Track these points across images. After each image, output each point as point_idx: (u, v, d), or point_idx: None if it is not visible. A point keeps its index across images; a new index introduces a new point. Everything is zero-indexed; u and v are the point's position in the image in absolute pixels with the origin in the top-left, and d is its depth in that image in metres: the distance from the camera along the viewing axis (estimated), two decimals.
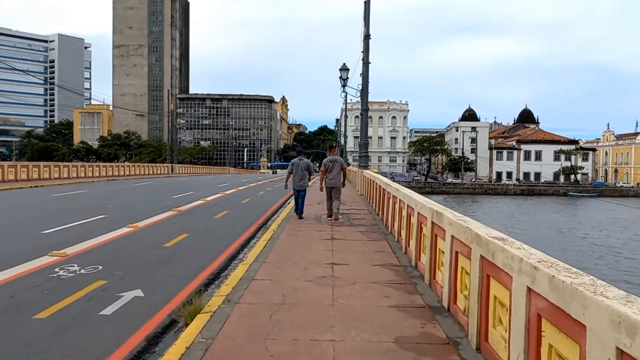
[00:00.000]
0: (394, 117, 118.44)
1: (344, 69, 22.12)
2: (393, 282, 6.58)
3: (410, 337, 4.70)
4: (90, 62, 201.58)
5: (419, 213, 7.22)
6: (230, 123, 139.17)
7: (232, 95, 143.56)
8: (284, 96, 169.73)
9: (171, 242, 10.03)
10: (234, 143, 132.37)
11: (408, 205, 8.27)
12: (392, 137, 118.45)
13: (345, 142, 55.54)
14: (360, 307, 5.53)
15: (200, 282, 7.02)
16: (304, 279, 6.71)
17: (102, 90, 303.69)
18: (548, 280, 2.96)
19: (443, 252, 5.71)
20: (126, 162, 75.23)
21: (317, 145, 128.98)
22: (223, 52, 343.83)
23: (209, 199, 19.94)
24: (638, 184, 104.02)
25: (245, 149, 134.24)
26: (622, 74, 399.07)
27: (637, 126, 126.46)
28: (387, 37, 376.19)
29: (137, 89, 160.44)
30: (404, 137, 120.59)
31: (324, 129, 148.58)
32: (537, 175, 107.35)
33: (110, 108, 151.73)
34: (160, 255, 8.83)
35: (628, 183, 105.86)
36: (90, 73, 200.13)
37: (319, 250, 8.72)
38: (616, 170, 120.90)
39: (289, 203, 18.31)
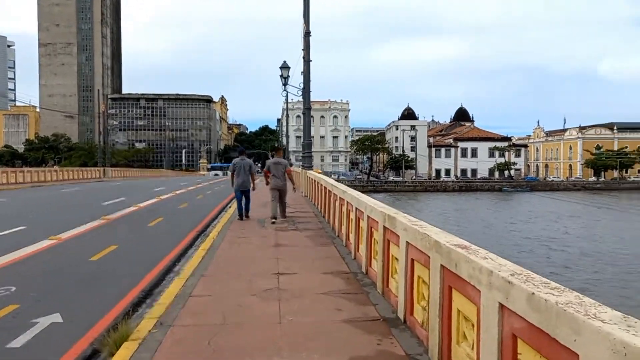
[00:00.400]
0: (335, 117, 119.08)
1: (285, 67, 21.57)
2: (344, 292, 6.12)
3: (366, 356, 4.25)
4: (14, 62, 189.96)
5: (369, 217, 6.80)
6: (167, 124, 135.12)
7: (168, 95, 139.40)
8: (222, 96, 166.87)
9: (98, 255, 9.10)
10: (172, 144, 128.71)
11: (356, 208, 7.86)
12: (334, 137, 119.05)
13: (287, 142, 54.99)
14: (311, 324, 5.02)
15: (129, 302, 6.26)
16: (248, 293, 6.13)
17: (28, 91, 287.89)
18: (526, 298, 2.57)
19: (397, 259, 5.32)
20: (55, 167, 71.26)
21: (258, 145, 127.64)
22: (158, 51, 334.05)
23: (142, 205, 18.79)
24: (567, 177, 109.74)
25: (184, 151, 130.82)
26: (549, 74, 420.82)
27: (564, 123, 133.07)
28: (326, 38, 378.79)
29: (66, 89, 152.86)
30: (345, 137, 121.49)
31: (265, 129, 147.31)
32: (474, 171, 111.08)
33: (37, 109, 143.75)
34: (85, 272, 7.95)
35: (558, 177, 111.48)
36: (14, 73, 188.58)
37: (264, 259, 8.16)
38: (546, 165, 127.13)
39: (230, 207, 17.57)
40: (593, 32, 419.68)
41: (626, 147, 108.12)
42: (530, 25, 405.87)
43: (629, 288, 19.98)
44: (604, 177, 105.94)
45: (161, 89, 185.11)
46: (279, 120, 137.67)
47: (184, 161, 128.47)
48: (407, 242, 4.83)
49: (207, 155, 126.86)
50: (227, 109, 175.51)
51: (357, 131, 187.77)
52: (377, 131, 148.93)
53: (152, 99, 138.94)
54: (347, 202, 8.92)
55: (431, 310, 4.07)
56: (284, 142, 64.94)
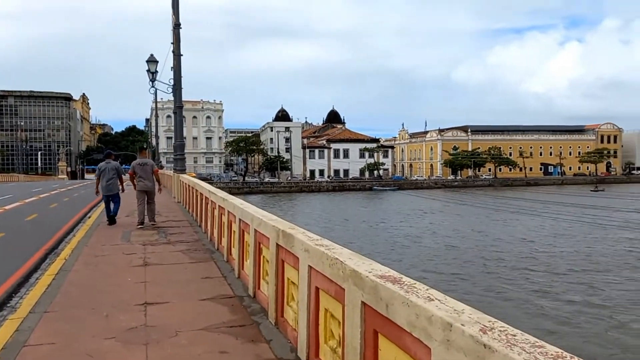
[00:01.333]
0: (208, 117, 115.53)
1: (152, 60, 19.66)
2: (229, 325, 5.05)
3: None
4: None
5: (256, 231, 5.80)
6: (19, 123, 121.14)
7: (20, 92, 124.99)
8: (84, 94, 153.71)
9: None
10: (25, 146, 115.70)
11: (240, 220, 6.80)
12: (207, 138, 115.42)
13: (157, 143, 51.61)
14: None
15: None
16: (105, 334, 4.80)
17: None
18: None
19: (295, 284, 4.41)
20: None
21: (125, 146, 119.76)
22: (8, 45, 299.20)
23: None
24: (429, 176, 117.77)
25: (39, 153, 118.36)
26: (411, 80, 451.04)
27: (426, 126, 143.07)
28: (197, 37, 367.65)
29: None
30: (219, 138, 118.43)
31: (132, 130, 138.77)
32: (346, 172, 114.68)
33: None
34: None
35: (421, 176, 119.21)
36: None
37: (128, 284, 6.76)
38: (411, 165, 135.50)
39: (90, 217, 15.43)
40: (446, 42, 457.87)
41: (478, 148, 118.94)
42: (388, 32, 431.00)
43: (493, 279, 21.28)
44: (460, 176, 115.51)
45: (11, 85, 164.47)
46: (147, 120, 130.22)
47: (39, 164, 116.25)
48: (309, 266, 3.93)
49: (66, 158, 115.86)
50: (90, 108, 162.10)
51: (231, 132, 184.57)
52: (252, 132, 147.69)
53: (2, 96, 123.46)
54: (229, 212, 7.82)
55: (349, 358, 3.20)
56: (154, 143, 61.06)
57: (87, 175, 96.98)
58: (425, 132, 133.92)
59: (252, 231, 5.95)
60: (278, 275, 4.91)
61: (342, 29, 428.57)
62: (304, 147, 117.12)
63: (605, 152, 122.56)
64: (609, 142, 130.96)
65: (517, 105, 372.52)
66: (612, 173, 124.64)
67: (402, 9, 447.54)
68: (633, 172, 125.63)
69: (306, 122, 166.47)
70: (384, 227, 40.23)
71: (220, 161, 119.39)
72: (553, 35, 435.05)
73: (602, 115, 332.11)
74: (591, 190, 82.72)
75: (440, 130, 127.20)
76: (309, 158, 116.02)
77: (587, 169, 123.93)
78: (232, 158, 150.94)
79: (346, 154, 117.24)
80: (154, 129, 66.24)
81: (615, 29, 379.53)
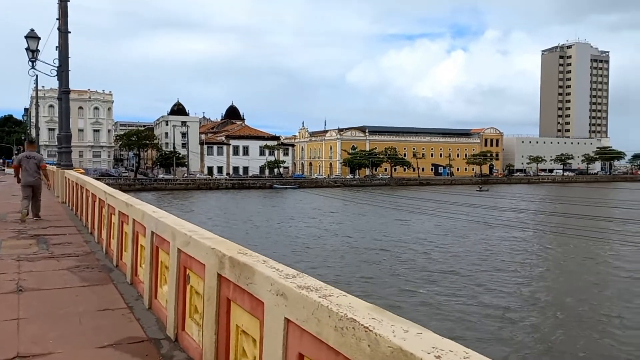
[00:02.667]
0: (96, 108, 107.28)
1: (33, 36, 16.75)
2: None
3: None
4: None
5: (181, 251, 4.31)
6: None
7: None
8: None
9: None
10: None
11: (155, 234, 5.22)
12: (95, 130, 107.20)
13: (37, 135, 46.27)
14: None
15: None
16: None
17: None
18: None
19: (256, 340, 3.03)
20: None
21: (0, 138, 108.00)
22: None
23: None
24: (328, 175, 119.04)
25: None
26: (308, 79, 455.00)
27: (325, 125, 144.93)
28: (86, 23, 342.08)
29: None
30: (109, 130, 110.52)
31: (9, 120, 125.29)
32: (246, 169, 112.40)
33: None
34: None
35: (321, 175, 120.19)
36: None
37: None
38: (311, 164, 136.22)
39: None
40: (342, 43, 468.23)
41: (375, 148, 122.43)
42: (286, 31, 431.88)
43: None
44: (359, 175, 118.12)
45: None
46: (26, 110, 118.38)
47: None
48: (287, 319, 2.60)
49: None
50: None
51: (121, 125, 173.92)
52: (145, 126, 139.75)
53: None
54: (135, 221, 6.16)
55: None
56: (33, 134, 54.95)
57: None
58: (325, 131, 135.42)
59: (175, 252, 4.43)
60: (220, 319, 3.48)
61: (239, 24, 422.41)
62: (201, 143, 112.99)
63: (489, 154, 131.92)
64: (492, 145, 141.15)
65: (407, 108, 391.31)
66: (495, 174, 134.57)
67: (300, 9, 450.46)
68: (513, 173, 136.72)
69: (204, 117, 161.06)
70: (287, 227, 39.22)
71: (109, 156, 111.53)
72: (441, 43, 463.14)
73: (481, 120, 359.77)
74: (477, 190, 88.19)
75: (340, 130, 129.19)
76: (207, 154, 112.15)
77: (473, 170, 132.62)
78: (122, 153, 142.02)
79: (246, 151, 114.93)
80: (33, 119, 59.64)
81: (496, 40, 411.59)
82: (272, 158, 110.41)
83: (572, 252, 28.76)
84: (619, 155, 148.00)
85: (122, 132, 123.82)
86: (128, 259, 6.46)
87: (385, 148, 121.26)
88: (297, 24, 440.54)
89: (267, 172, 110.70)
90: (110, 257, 7.81)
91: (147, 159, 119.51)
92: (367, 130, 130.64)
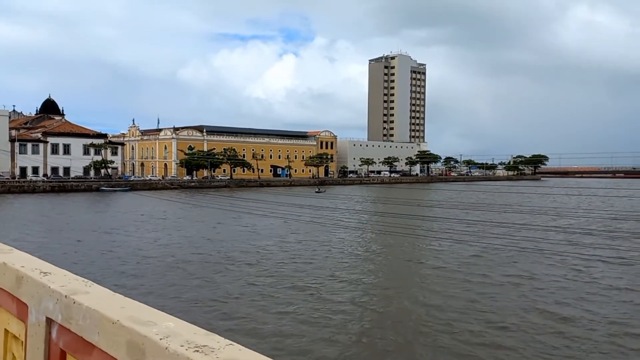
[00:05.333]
0: None
1: None
2: None
3: None
4: None
5: None
6: None
7: None
8: None
9: None
10: None
11: None
12: None
13: None
14: None
15: None
16: None
17: None
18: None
19: None
20: None
21: None
22: None
23: None
24: (163, 176, 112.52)
25: None
26: (136, 75, 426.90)
27: (158, 123, 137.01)
28: None
29: None
30: None
31: None
32: (67, 170, 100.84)
33: None
34: None
35: (155, 176, 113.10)
36: None
37: None
38: (142, 164, 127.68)
39: None
40: (173, 40, 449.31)
41: (214, 149, 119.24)
42: (109, 23, 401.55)
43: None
44: (196, 176, 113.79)
45: None
46: None
47: None
48: None
49: None
50: None
51: None
52: None
53: None
54: None
55: None
56: None
57: None
58: (159, 130, 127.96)
59: None
60: None
61: (53, 10, 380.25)
62: (12, 140, 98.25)
63: (325, 156, 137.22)
64: (327, 147, 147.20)
65: (242, 109, 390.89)
66: (331, 176, 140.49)
67: (125, 1, 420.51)
68: (347, 175, 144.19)
69: (14, 111, 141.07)
70: (112, 238, 35.01)
71: None
72: (273, 46, 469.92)
73: (312, 123, 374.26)
74: (316, 192, 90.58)
75: (176, 129, 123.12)
76: (20, 153, 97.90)
77: (310, 171, 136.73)
78: None
79: (67, 150, 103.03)
80: None
81: (324, 47, 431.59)
82: (98, 158, 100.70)
83: (404, 249, 30.13)
84: (436, 159, 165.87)
85: None
86: None
87: (224, 149, 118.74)
88: (122, 16, 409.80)
89: (92, 173, 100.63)
90: None
91: None
92: (204, 130, 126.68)
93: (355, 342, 14.40)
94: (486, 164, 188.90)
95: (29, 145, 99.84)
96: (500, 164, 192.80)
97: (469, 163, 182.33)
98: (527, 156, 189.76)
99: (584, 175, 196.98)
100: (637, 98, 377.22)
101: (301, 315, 16.54)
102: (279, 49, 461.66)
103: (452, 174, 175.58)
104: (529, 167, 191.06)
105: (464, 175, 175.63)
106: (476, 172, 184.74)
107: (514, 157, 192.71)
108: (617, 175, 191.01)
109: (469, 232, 35.60)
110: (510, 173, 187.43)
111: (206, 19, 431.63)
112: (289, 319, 16.11)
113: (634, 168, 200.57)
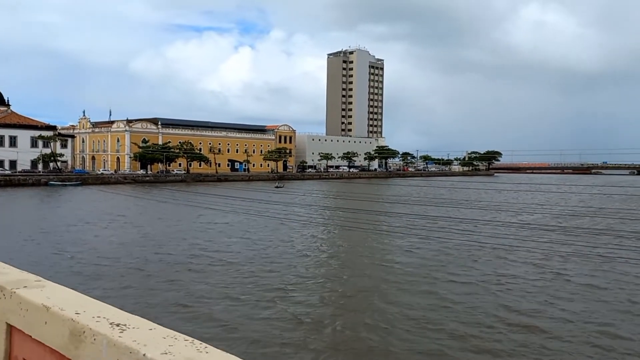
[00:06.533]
0: None
1: None
2: None
3: None
4: None
5: None
6: None
7: None
8: None
9: None
10: None
11: None
12: None
13: None
14: None
15: None
16: None
17: None
18: None
19: None
20: None
21: None
22: None
23: None
24: (116, 170, 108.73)
25: None
26: (83, 65, 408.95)
27: (110, 115, 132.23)
28: None
29: None
30: None
31: None
32: (13, 163, 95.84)
33: None
34: None
35: (107, 170, 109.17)
36: None
37: None
38: (93, 158, 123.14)
39: None
40: (123, 30, 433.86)
41: (169, 142, 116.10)
42: (51, 9, 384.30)
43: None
44: (151, 170, 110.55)
45: None
46: None
47: None
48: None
49: None
50: None
51: None
52: None
53: None
54: None
55: None
56: None
57: None
58: (111, 122, 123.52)
59: None
60: None
61: None
62: None
63: (284, 151, 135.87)
64: (286, 142, 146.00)
65: (196, 101, 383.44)
66: (289, 170, 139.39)
67: None
68: (305, 169, 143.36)
69: None
70: (68, 236, 33.18)
71: None
72: (229, 38, 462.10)
73: (269, 117, 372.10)
74: (275, 187, 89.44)
75: (129, 121, 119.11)
76: None
77: (268, 165, 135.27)
78: None
79: (13, 142, 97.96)
80: None
81: (281, 40, 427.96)
82: (47, 150, 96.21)
83: (369, 246, 29.82)
84: (394, 154, 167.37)
85: None
86: None
87: (180, 142, 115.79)
88: (66, 4, 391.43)
89: (40, 166, 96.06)
90: None
91: None
92: (159, 123, 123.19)
93: (328, 344, 13.83)
94: (442, 159, 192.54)
95: None
96: (456, 159, 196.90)
97: (426, 159, 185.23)
98: (481, 152, 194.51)
99: (534, 171, 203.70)
100: (585, 97, 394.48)
101: (270, 317, 15.82)
102: (235, 42, 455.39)
103: (410, 169, 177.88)
104: (483, 162, 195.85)
105: (421, 170, 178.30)
106: (433, 168, 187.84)
107: (468, 153, 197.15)
108: (565, 171, 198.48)
109: (433, 229, 35.67)
110: (465, 169, 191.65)
111: (159, 7, 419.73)
112: (258, 320, 15.36)
113: (581, 164, 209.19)
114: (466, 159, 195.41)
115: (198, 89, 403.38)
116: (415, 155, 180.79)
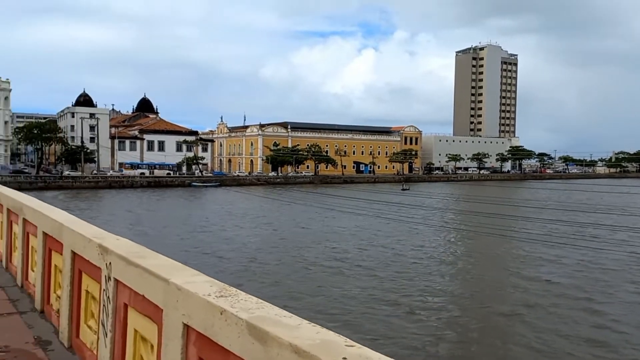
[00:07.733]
0: None
1: None
2: None
3: None
4: None
5: (75, 253, 3.43)
6: None
7: None
8: None
9: None
10: None
11: (47, 235, 3.80)
12: None
13: None
14: None
15: None
16: None
17: None
18: None
19: (144, 339, 2.74)
20: None
21: None
22: None
23: None
24: (250, 172, 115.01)
25: None
26: (219, 73, 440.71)
27: (244, 120, 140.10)
28: None
29: None
30: (5, 122, 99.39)
31: None
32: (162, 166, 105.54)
33: None
34: None
35: (243, 172, 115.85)
36: None
37: None
38: (230, 160, 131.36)
39: None
40: (253, 41, 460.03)
41: (298, 145, 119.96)
42: (189, 23, 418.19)
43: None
44: (281, 172, 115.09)
45: None
46: None
47: None
48: (185, 324, 2.28)
49: None
50: None
51: (19, 117, 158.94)
52: (46, 118, 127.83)
53: None
54: (26, 221, 4.48)
55: None
56: None
57: None
58: (246, 127, 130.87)
59: (69, 254, 3.45)
60: (117, 325, 2.87)
61: (136, 14, 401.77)
62: (112, 137, 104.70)
63: (409, 152, 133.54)
64: (411, 143, 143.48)
65: (319, 105, 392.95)
66: (415, 172, 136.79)
67: (202, 1, 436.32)
68: (433, 171, 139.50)
69: (113, 109, 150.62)
70: (220, 235, 35.18)
71: (6, 150, 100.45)
72: (353, 42, 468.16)
73: (390, 119, 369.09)
74: (402, 189, 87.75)
75: (261, 126, 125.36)
76: (119, 149, 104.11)
77: (394, 167, 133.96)
78: (19, 147, 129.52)
79: (162, 147, 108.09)
80: None
81: (404, 41, 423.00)
82: (190, 154, 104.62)
83: (513, 257, 27.72)
84: (530, 155, 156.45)
85: (22, 125, 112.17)
86: (18, 262, 5.58)
87: (308, 145, 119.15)
88: (201, 17, 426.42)
89: (184, 168, 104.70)
90: (14, 275, 6.04)
91: (49, 154, 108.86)
92: (289, 127, 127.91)
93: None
94: (584, 160, 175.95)
95: (127, 142, 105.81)
96: (600, 160, 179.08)
97: (565, 159, 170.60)
98: (630, 153, 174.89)
99: None
100: None
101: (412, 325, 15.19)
102: (359, 44, 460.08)
103: (548, 170, 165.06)
104: (632, 164, 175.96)
105: (560, 172, 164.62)
106: (574, 169, 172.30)
107: (615, 153, 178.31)
108: None
109: (580, 237, 32.37)
110: (612, 170, 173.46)
111: (285, 15, 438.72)
112: (400, 330, 14.83)
113: None
114: (613, 159, 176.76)
115: (322, 93, 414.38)
116: (552, 155, 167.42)
